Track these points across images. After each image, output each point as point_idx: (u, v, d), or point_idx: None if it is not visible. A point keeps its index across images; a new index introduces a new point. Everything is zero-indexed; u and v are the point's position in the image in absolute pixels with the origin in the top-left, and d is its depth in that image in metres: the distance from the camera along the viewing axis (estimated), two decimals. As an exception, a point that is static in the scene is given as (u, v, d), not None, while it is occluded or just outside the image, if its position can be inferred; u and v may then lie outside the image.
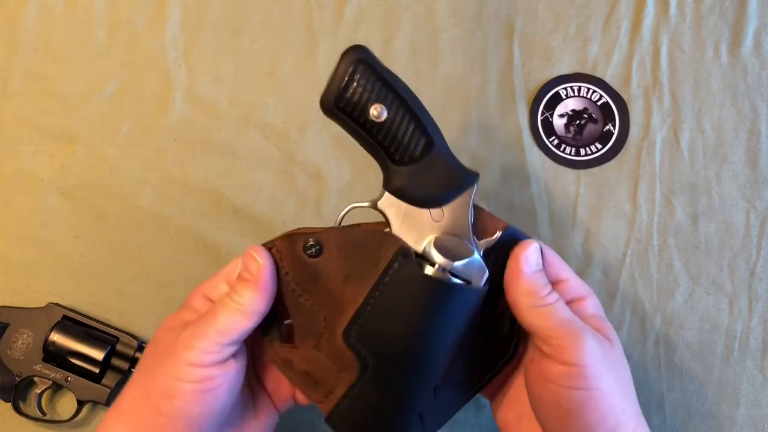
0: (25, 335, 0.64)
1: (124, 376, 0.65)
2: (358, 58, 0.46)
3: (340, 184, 0.70)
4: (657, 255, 0.69)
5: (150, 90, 0.72)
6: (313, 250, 0.48)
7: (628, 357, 0.66)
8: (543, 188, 0.70)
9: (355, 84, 0.46)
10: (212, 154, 0.71)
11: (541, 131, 0.71)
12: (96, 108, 0.71)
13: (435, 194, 0.48)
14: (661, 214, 0.69)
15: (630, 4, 0.73)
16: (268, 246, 0.49)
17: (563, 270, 0.51)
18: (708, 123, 0.71)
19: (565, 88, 0.71)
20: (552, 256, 0.51)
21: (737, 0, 0.72)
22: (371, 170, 0.70)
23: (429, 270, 0.47)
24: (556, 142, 0.71)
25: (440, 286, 0.46)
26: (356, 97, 0.46)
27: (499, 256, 0.49)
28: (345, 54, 0.46)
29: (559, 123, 0.71)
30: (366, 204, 0.49)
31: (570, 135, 0.71)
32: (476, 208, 0.50)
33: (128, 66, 0.72)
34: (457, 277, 0.47)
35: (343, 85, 0.46)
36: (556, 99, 0.71)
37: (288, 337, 0.51)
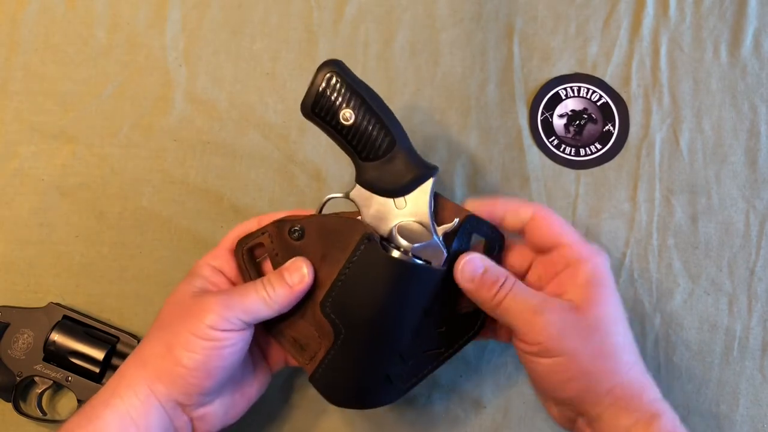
0: (25, 335, 0.64)
1: None
2: (332, 70, 0.54)
3: (340, 184, 0.70)
4: (656, 255, 0.69)
5: (150, 90, 0.72)
6: (297, 234, 0.56)
7: (628, 357, 0.66)
8: (543, 188, 0.70)
9: (328, 92, 0.54)
10: (212, 154, 0.71)
11: (540, 131, 0.71)
12: (96, 108, 0.71)
13: (398, 186, 0.55)
14: (660, 214, 0.69)
15: (630, 5, 0.73)
16: (262, 231, 0.57)
17: (564, 234, 0.56)
18: (707, 123, 0.71)
19: (565, 89, 0.72)
20: (550, 219, 0.56)
21: (737, 1, 0.72)
22: (371, 170, 0.71)
23: (394, 252, 0.54)
24: (555, 142, 0.71)
25: (401, 265, 0.53)
26: (329, 103, 0.54)
27: (462, 243, 0.56)
28: (321, 66, 0.54)
29: (558, 123, 0.71)
30: (340, 195, 0.56)
31: (570, 135, 0.71)
32: (442, 198, 0.57)
33: (128, 66, 0.72)
34: (418, 258, 0.54)
35: (318, 92, 0.54)
36: (556, 99, 0.71)
37: None
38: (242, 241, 0.58)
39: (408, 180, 0.55)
